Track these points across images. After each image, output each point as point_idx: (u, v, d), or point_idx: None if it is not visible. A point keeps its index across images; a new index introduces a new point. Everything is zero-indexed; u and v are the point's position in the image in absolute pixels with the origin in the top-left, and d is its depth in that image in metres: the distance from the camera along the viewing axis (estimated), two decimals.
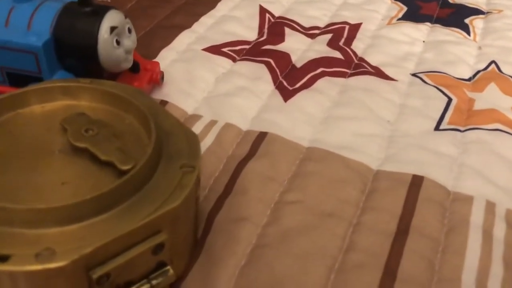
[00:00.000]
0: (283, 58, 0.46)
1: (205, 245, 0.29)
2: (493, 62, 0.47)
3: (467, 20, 0.54)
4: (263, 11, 0.53)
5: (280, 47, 0.47)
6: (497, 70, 0.46)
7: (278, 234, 0.30)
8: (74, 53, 0.34)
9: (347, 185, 0.33)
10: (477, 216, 0.31)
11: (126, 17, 0.36)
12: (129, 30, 0.36)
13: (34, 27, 0.34)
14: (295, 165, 0.35)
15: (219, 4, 0.54)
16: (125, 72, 0.38)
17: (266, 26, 0.51)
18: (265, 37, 0.49)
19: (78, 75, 0.36)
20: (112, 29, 0.34)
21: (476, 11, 0.56)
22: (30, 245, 0.21)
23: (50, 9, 0.34)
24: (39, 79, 0.35)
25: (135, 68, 0.38)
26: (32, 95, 0.29)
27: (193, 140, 0.27)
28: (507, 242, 0.29)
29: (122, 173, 0.25)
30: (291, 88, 0.42)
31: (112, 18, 0.34)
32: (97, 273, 0.22)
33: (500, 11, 0.56)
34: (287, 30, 0.50)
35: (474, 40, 0.51)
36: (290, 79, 0.43)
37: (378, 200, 0.32)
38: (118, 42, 0.35)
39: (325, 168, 0.34)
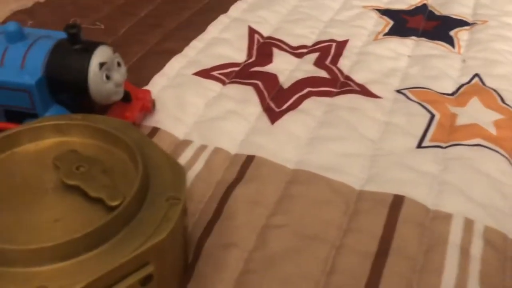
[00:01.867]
0: (271, 79, 0.47)
1: (194, 271, 0.31)
2: (476, 75, 0.48)
3: (452, 32, 0.55)
4: (252, 32, 0.54)
5: (268, 68, 0.49)
6: (480, 83, 0.47)
7: (264, 259, 0.31)
8: (65, 89, 0.36)
9: (330, 207, 0.34)
10: (455, 235, 0.32)
11: (115, 52, 0.37)
12: (119, 64, 0.38)
13: (27, 65, 0.36)
14: (281, 188, 0.36)
15: (209, 27, 0.55)
16: (117, 102, 0.39)
17: (255, 47, 0.52)
18: (253, 58, 0.50)
19: (71, 109, 0.37)
20: (101, 65, 0.36)
21: (461, 23, 0.57)
22: (24, 284, 0.23)
23: (42, 48, 0.36)
24: (34, 115, 0.37)
25: (126, 98, 0.40)
26: (25, 134, 0.31)
27: (179, 172, 0.29)
28: (484, 259, 0.31)
29: (111, 208, 0.26)
30: (278, 110, 0.43)
31: (101, 54, 0.36)
32: None
33: (484, 21, 0.57)
34: (275, 51, 0.51)
35: (459, 52, 0.52)
36: (277, 100, 0.44)
37: (360, 222, 0.33)
38: (108, 77, 0.36)
39: (310, 191, 0.35)
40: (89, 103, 0.36)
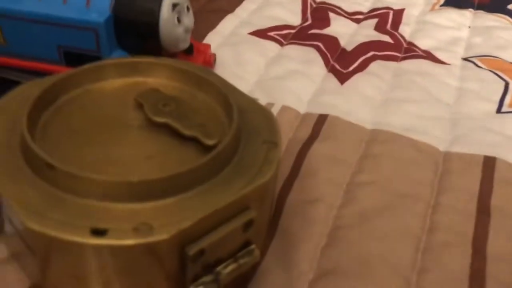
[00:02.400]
0: (332, 42, 0.45)
1: (278, 227, 0.28)
2: None
3: (510, 6, 0.53)
4: None
5: (327, 31, 0.46)
6: None
7: (356, 215, 0.29)
8: (134, 31, 0.33)
9: (418, 166, 0.32)
10: None
11: None
12: (188, 8, 0.35)
13: (93, 4, 0.33)
14: (361, 147, 0.34)
15: None
16: (179, 54, 0.37)
17: (309, 11, 0.50)
18: (309, 21, 0.48)
19: (136, 54, 0.35)
20: (174, 6, 0.33)
21: None
22: (126, 220, 0.20)
23: None
24: (96, 58, 0.34)
25: (190, 49, 0.37)
26: (99, 71, 0.28)
27: (269, 116, 0.26)
28: None
29: (206, 148, 0.24)
30: (345, 71, 0.41)
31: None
32: (193, 250, 0.21)
33: None
34: (331, 15, 0.49)
35: None
36: (342, 62, 0.42)
37: (453, 181, 0.31)
38: (179, 20, 0.34)
39: (393, 150, 0.33)
40: (156, 48, 0.34)
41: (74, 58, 0.34)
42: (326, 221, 0.28)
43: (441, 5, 0.53)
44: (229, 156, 0.24)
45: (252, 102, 0.28)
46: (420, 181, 0.31)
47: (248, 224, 0.23)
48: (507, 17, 0.51)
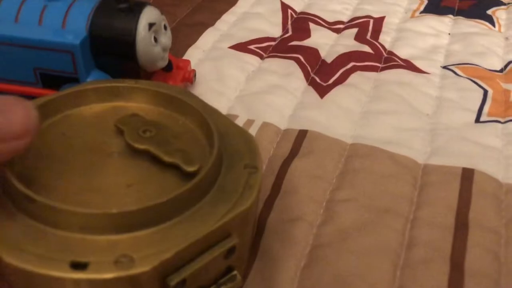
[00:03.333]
0: (312, 53, 0.45)
1: (260, 248, 0.28)
2: None
3: (489, 11, 0.54)
4: (284, 6, 0.52)
5: (307, 42, 0.47)
6: None
7: (336, 232, 0.29)
8: (111, 51, 0.33)
9: (397, 180, 0.32)
10: None
11: (162, 13, 0.35)
12: (165, 27, 0.35)
13: (69, 25, 0.33)
14: (341, 162, 0.34)
15: (239, 1, 0.53)
16: (158, 72, 0.37)
17: (290, 22, 0.50)
18: (290, 33, 0.48)
19: (113, 75, 0.35)
20: (150, 25, 0.33)
21: (497, 2, 0.56)
22: (106, 252, 0.20)
23: (84, 7, 0.33)
24: (73, 80, 0.34)
25: (169, 66, 0.37)
26: (78, 97, 0.28)
27: (250, 140, 0.27)
28: None
29: (186, 175, 0.24)
30: (325, 84, 0.41)
31: (149, 14, 0.33)
32: (174, 280, 0.21)
33: None
34: (311, 25, 0.49)
35: (499, 31, 0.51)
36: (322, 74, 0.42)
37: (431, 195, 0.31)
38: (155, 39, 0.34)
39: (373, 164, 0.33)
40: (134, 68, 0.34)
41: (51, 80, 0.34)
42: (306, 240, 0.29)
43: (421, 12, 0.53)
44: (210, 183, 0.24)
45: (233, 125, 0.28)
46: (399, 196, 0.31)
47: (230, 251, 0.23)
48: (486, 22, 0.52)
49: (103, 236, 0.21)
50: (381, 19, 0.51)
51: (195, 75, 0.40)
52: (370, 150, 0.35)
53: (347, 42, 0.47)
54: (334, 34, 0.49)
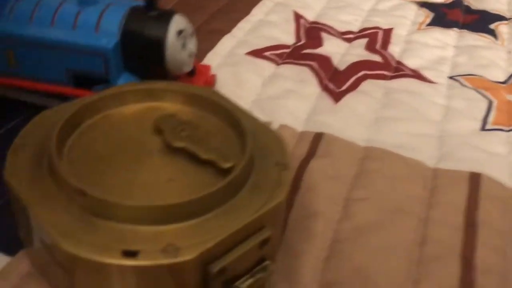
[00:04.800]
0: (325, 61, 0.47)
1: (282, 241, 0.30)
2: None
3: (492, 26, 0.56)
4: (297, 16, 0.54)
5: (320, 50, 0.49)
6: None
7: (353, 229, 0.31)
8: (141, 55, 0.35)
9: (409, 181, 0.34)
10: None
11: (188, 21, 0.37)
12: (192, 34, 0.37)
13: (102, 29, 0.35)
14: (356, 164, 0.36)
15: (253, 10, 0.55)
16: (182, 76, 0.39)
17: (302, 30, 0.52)
18: (303, 41, 0.50)
19: (142, 78, 0.36)
20: (179, 32, 0.35)
21: (499, 17, 0.58)
22: (154, 241, 0.22)
23: (116, 13, 0.35)
24: (104, 81, 0.36)
25: (192, 71, 0.39)
26: (117, 98, 0.30)
27: (280, 139, 0.29)
28: None
29: (222, 171, 0.25)
30: (338, 90, 0.43)
31: (178, 22, 0.35)
32: (216, 267, 0.23)
33: None
34: (323, 35, 0.51)
35: (502, 45, 0.53)
36: (335, 81, 0.44)
37: (441, 196, 0.33)
38: (183, 45, 0.36)
39: (386, 166, 0.35)
40: (161, 71, 0.36)
41: (82, 80, 0.36)
42: (326, 235, 0.31)
43: (427, 25, 0.56)
44: (245, 178, 0.26)
45: (262, 125, 0.30)
46: (411, 197, 0.33)
47: (264, 242, 0.25)
48: (490, 36, 0.54)
49: (150, 227, 0.23)
50: (389, 30, 0.54)
51: (215, 80, 0.42)
52: (383, 153, 0.37)
53: (358, 51, 0.49)
54: (345, 44, 0.51)
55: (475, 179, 0.34)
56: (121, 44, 0.35)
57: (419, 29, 0.55)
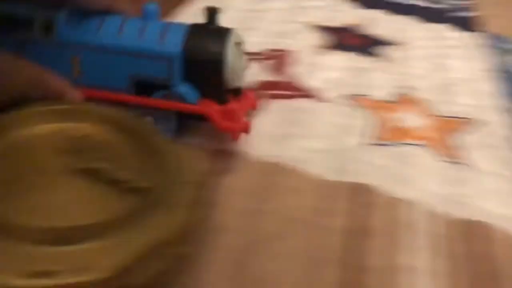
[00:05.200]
0: None
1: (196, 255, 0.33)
2: (406, 86, 0.56)
3: (382, 50, 0.63)
4: None
5: None
6: (410, 94, 0.55)
7: (254, 241, 0.34)
8: (203, 65, 0.37)
9: (304, 194, 0.39)
10: (407, 215, 0.38)
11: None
12: (244, 56, 0.39)
13: (167, 40, 0.37)
14: (257, 179, 0.40)
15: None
16: (230, 97, 0.40)
17: None
18: None
19: (199, 90, 0.38)
20: (237, 44, 0.37)
21: (388, 42, 0.66)
22: (64, 262, 0.23)
23: (178, 27, 0.38)
24: (166, 87, 0.37)
25: (239, 91, 0.41)
26: (30, 117, 0.31)
27: (191, 157, 0.31)
28: (435, 234, 0.37)
29: (134, 190, 0.28)
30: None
31: (236, 36, 0.38)
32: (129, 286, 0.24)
33: (403, 42, 0.66)
34: None
35: (390, 68, 0.60)
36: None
37: (330, 205, 0.38)
38: (240, 58, 0.38)
39: (285, 180, 0.40)
40: (219, 84, 0.37)
41: (143, 87, 0.37)
42: (232, 246, 0.34)
43: (326, 48, 0.62)
44: (157, 198, 0.27)
45: (174, 144, 0.32)
46: (305, 206, 0.38)
47: (179, 259, 0.27)
48: (380, 59, 0.61)
49: (60, 248, 0.24)
50: (294, 53, 0.59)
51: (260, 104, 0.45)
52: (284, 168, 0.41)
53: (262, 73, 0.53)
54: (255, 64, 0.55)
55: (362, 189, 0.40)
56: (184, 53, 0.36)
57: (318, 52, 0.60)
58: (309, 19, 0.68)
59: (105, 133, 0.32)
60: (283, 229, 0.35)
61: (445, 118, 0.52)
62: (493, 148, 0.49)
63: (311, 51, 0.60)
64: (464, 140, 0.49)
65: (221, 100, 0.39)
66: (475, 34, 0.72)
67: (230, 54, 0.37)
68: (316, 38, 0.63)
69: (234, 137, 0.40)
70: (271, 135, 0.45)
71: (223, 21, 0.39)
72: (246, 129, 0.40)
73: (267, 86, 0.51)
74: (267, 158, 0.42)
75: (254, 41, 0.59)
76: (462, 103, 0.55)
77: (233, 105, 0.39)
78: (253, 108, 0.44)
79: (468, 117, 0.53)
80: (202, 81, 0.38)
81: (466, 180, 0.44)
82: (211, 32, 0.37)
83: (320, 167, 0.42)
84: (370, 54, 0.62)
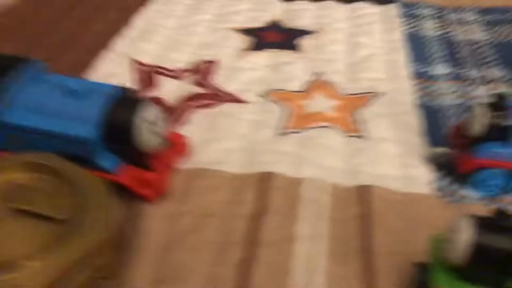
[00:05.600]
0: (158, 102, 0.57)
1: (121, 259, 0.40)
2: (318, 73, 0.62)
3: (298, 41, 0.69)
4: (134, 63, 0.64)
5: (154, 93, 0.59)
6: (321, 79, 0.61)
7: (175, 237, 0.41)
8: (116, 138, 0.42)
9: (218, 190, 0.46)
10: (308, 191, 0.45)
11: (156, 108, 0.44)
12: (160, 119, 0.44)
13: (84, 118, 0.41)
14: (181, 183, 0.46)
15: (96, 63, 0.64)
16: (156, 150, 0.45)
17: (139, 75, 0.62)
18: (140, 85, 0.60)
19: (120, 156, 0.43)
20: (146, 119, 0.42)
21: (304, 32, 0.72)
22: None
23: (96, 102, 0.42)
24: (87, 160, 0.42)
25: (166, 144, 0.46)
26: None
27: (102, 186, 0.37)
28: (328, 205, 0.44)
29: (57, 222, 0.34)
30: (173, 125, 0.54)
31: (146, 109, 0.42)
32: None
33: (321, 29, 0.72)
34: (157, 77, 0.62)
35: (304, 57, 0.66)
36: (168, 118, 0.55)
37: (240, 195, 0.45)
38: (150, 129, 0.42)
39: (202, 182, 0.46)
40: (135, 150, 0.43)
41: (71, 159, 0.41)
42: (155, 245, 0.41)
43: (247, 50, 0.68)
44: (76, 224, 0.34)
45: (91, 177, 0.39)
46: (220, 201, 0.44)
47: (100, 268, 0.34)
48: (294, 51, 0.67)
49: None
50: (216, 62, 0.65)
51: (189, 148, 0.49)
52: (201, 171, 0.48)
53: (187, 87, 0.60)
54: (176, 81, 0.61)
55: (266, 177, 0.46)
56: (100, 130, 0.41)
57: (239, 55, 0.67)
58: (234, 25, 0.74)
59: (30, 177, 0.38)
60: (198, 224, 0.42)
61: (351, 96, 0.59)
62: (390, 116, 0.55)
63: (233, 56, 0.67)
64: (365, 114, 0.55)
65: (140, 164, 0.44)
66: (390, 6, 0.78)
67: (139, 125, 0.42)
68: (239, 42, 0.70)
69: (149, 201, 0.44)
70: (193, 144, 0.51)
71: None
72: (160, 193, 0.45)
73: (192, 99, 0.58)
74: (187, 166, 0.49)
75: (182, 58, 0.65)
76: (370, 78, 0.62)
77: (148, 174, 0.44)
78: (181, 153, 0.49)
79: (374, 91, 0.59)
80: (118, 150, 0.43)
81: (363, 151, 0.50)
82: (122, 103, 0.42)
83: (234, 165, 0.49)
84: (290, 47, 0.68)
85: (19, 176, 0.39)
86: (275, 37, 0.71)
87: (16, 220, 0.35)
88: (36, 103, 0.43)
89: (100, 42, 0.68)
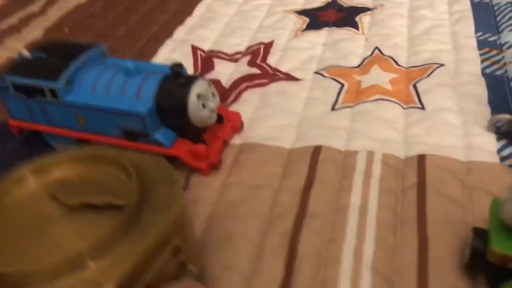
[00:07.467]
0: (215, 83, 0.58)
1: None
2: (376, 48, 0.60)
3: (357, 18, 0.68)
4: (194, 49, 0.66)
5: (211, 75, 0.60)
6: (379, 54, 0.59)
7: (224, 206, 0.42)
8: (171, 114, 0.44)
9: (270, 164, 0.45)
10: (361, 163, 0.44)
11: (210, 84, 0.46)
12: (213, 94, 0.46)
13: (142, 96, 0.45)
14: (232, 158, 0.47)
15: (159, 50, 0.66)
16: (211, 125, 0.47)
17: (199, 60, 0.64)
18: (199, 70, 0.62)
19: (176, 131, 0.46)
20: (199, 96, 0.44)
21: (364, 9, 0.70)
22: (81, 283, 0.28)
23: (152, 82, 0.45)
24: (145, 135, 0.45)
25: (219, 120, 0.48)
26: (16, 178, 0.35)
27: (166, 165, 0.35)
28: (382, 175, 0.42)
29: (119, 209, 0.31)
30: (224, 105, 0.55)
31: (199, 87, 0.44)
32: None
33: (381, 5, 0.70)
34: (215, 60, 0.63)
35: (363, 33, 0.64)
36: (223, 98, 0.56)
37: (291, 168, 0.44)
38: (203, 105, 0.44)
39: (254, 156, 0.47)
40: (189, 125, 0.45)
41: (130, 134, 0.46)
42: (205, 213, 0.42)
43: (303, 30, 0.67)
44: (139, 208, 0.31)
45: (149, 157, 0.37)
46: (270, 174, 0.44)
47: (176, 251, 0.30)
48: (352, 29, 0.65)
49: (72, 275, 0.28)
50: (271, 43, 0.65)
51: (242, 125, 0.51)
52: (252, 146, 0.48)
53: (242, 68, 0.60)
54: (233, 64, 0.62)
55: (316, 150, 0.46)
56: (155, 106, 0.44)
57: (295, 35, 0.66)
58: (292, 7, 0.74)
59: (84, 170, 0.35)
60: (248, 195, 0.43)
61: (410, 69, 0.56)
62: (452, 87, 0.52)
63: (290, 36, 0.66)
64: (425, 85, 0.53)
65: (195, 139, 0.46)
66: None
67: (192, 104, 0.43)
68: (297, 23, 0.69)
69: (203, 173, 0.45)
70: (245, 121, 0.52)
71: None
72: (212, 166, 0.46)
73: (247, 79, 0.58)
74: (237, 141, 0.49)
75: (240, 43, 0.66)
76: (431, 50, 0.59)
77: (200, 147, 0.45)
78: (234, 131, 0.50)
79: (434, 62, 0.56)
80: (174, 126, 0.46)
81: (421, 121, 0.48)
82: (177, 86, 0.44)
83: (286, 140, 0.48)
84: (348, 25, 0.67)
85: (70, 172, 0.36)
86: (333, 15, 0.70)
87: (75, 217, 0.33)
88: (98, 83, 0.46)
89: (164, 31, 0.71)
